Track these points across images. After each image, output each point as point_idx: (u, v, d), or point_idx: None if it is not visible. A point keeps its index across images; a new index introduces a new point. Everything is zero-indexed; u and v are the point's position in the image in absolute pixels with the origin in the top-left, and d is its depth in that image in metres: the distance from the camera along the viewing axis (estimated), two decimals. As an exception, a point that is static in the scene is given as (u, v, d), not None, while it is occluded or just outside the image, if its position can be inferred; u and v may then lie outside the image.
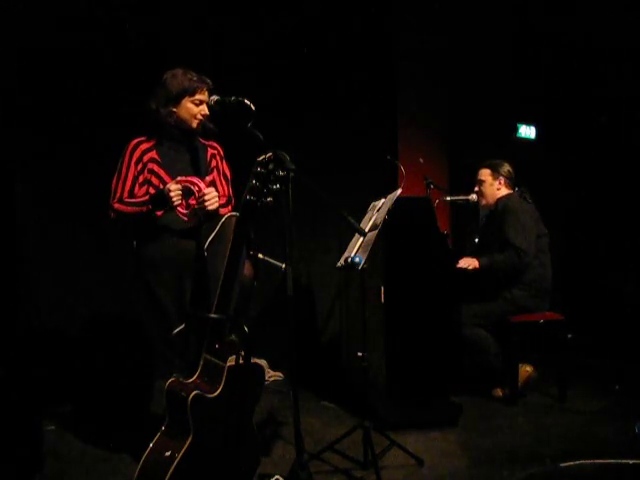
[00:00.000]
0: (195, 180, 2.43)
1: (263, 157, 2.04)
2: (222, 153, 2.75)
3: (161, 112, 2.54)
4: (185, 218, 2.48)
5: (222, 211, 2.55)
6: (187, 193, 2.42)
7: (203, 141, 2.69)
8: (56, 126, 3.52)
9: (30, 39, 3.40)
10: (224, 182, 2.71)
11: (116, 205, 2.51)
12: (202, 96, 2.54)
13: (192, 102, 2.53)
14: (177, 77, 2.53)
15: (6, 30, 3.29)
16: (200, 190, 2.40)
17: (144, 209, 2.44)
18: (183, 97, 2.52)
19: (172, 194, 2.36)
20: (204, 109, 2.55)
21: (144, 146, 2.56)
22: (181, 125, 2.56)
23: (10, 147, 3.18)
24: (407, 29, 4.72)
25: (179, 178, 2.42)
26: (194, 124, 2.56)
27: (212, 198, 2.42)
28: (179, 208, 2.45)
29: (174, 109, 2.54)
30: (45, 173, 3.52)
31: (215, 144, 2.74)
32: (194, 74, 2.55)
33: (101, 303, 3.64)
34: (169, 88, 2.52)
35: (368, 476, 2.46)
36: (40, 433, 2.69)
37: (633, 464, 2.39)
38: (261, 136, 2.14)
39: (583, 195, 5.13)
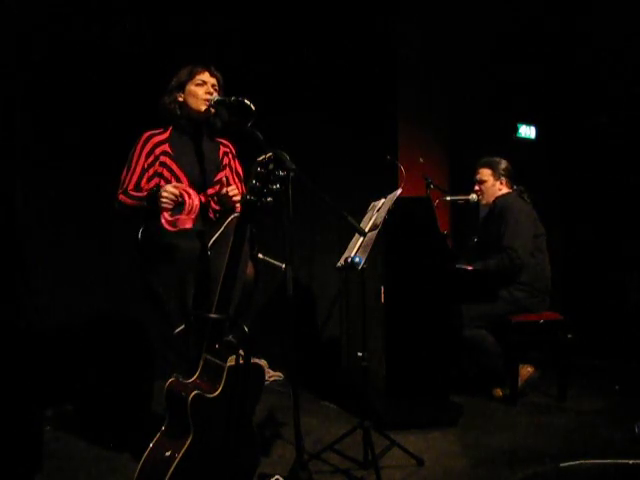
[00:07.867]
0: (192, 193, 2.36)
1: (263, 157, 2.04)
2: (234, 152, 2.77)
3: (166, 100, 2.59)
4: (167, 226, 2.35)
5: (239, 208, 2.54)
6: (179, 204, 2.34)
7: (216, 139, 2.71)
8: (56, 124, 3.51)
9: (33, 36, 3.40)
10: (237, 180, 2.72)
11: (121, 197, 2.52)
12: (203, 76, 2.58)
13: (195, 84, 2.57)
14: (181, 70, 2.61)
15: (7, 27, 3.29)
16: (192, 205, 2.33)
17: (142, 204, 2.44)
18: (186, 83, 2.58)
19: (164, 194, 2.33)
20: (209, 89, 2.57)
21: (157, 139, 2.58)
22: (191, 114, 2.58)
23: (10, 145, 3.18)
24: (408, 30, 4.72)
25: (177, 184, 2.41)
26: (202, 107, 2.56)
27: (235, 195, 2.48)
28: (164, 212, 2.35)
29: (180, 98, 2.58)
30: (46, 172, 3.51)
31: (227, 142, 2.76)
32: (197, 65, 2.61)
33: (102, 303, 3.63)
34: (174, 81, 2.60)
35: (368, 476, 2.45)
36: (40, 433, 2.68)
37: (633, 464, 2.39)
38: (261, 136, 2.14)
39: (583, 195, 5.13)
